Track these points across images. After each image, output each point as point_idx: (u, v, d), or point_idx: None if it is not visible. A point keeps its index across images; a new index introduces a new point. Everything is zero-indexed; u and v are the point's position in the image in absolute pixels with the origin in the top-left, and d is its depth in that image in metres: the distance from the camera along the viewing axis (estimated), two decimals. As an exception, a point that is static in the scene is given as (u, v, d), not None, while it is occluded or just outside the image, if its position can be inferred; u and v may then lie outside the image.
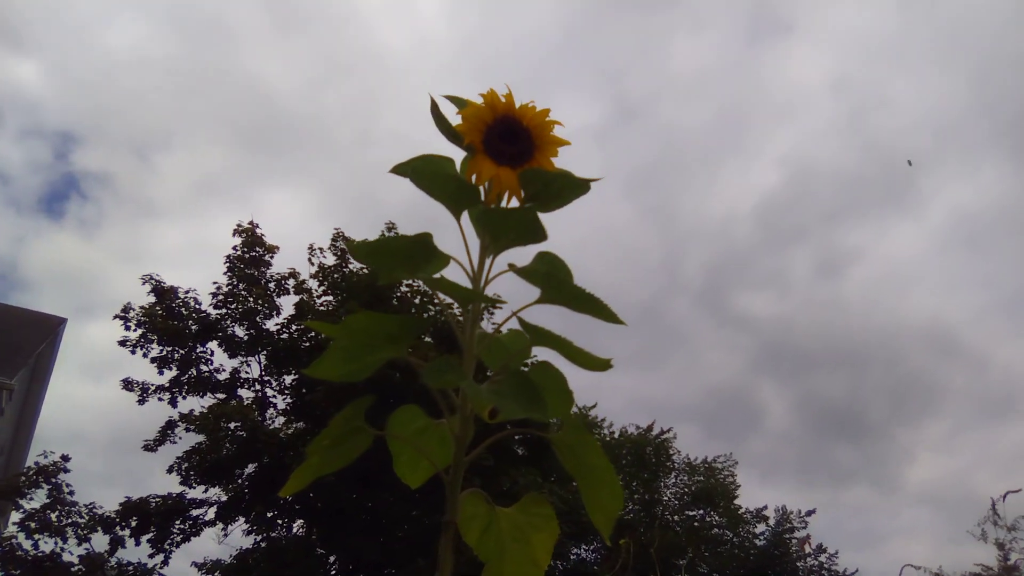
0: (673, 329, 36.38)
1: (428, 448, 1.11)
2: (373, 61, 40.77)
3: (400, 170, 1.16)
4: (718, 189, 40.36)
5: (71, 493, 15.48)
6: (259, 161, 35.37)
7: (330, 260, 16.48)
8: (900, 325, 37.18)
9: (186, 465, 15.23)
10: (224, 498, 15.64)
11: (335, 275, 16.33)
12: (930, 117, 44.90)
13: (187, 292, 16.23)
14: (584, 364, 1.02)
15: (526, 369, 1.11)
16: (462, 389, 0.89)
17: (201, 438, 15.08)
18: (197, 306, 16.22)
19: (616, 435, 24.03)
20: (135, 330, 15.72)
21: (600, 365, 1.01)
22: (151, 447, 15.53)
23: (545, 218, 1.10)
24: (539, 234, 1.04)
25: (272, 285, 16.49)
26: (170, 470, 15.28)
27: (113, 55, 35.38)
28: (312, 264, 16.50)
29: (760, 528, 24.29)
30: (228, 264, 16.35)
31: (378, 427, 1.12)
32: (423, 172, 1.08)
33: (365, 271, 15.98)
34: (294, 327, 16.23)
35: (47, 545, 15.07)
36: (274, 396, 16.57)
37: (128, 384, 15.86)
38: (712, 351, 36.22)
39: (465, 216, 1.17)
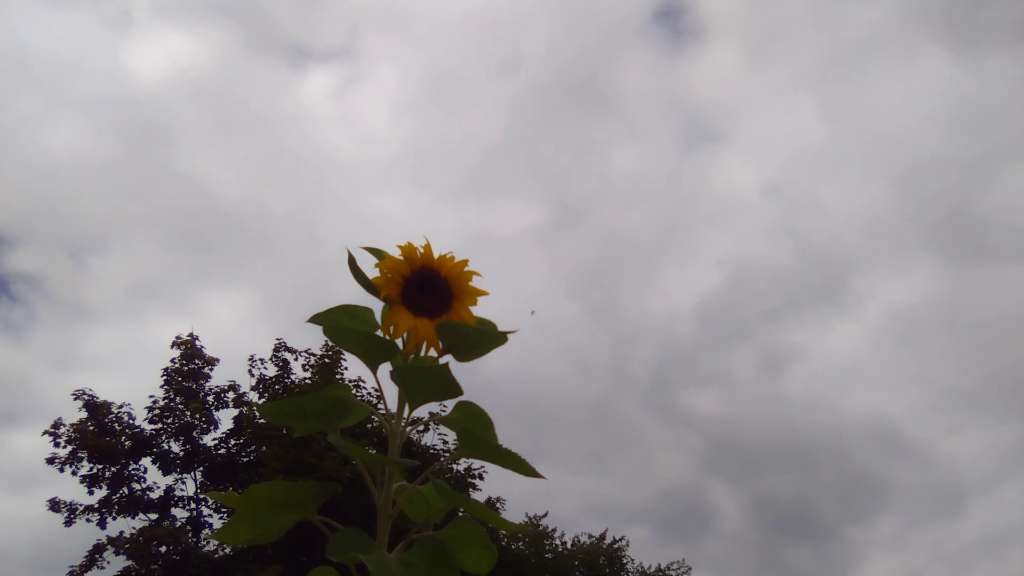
0: (622, 428, 36.21)
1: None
2: (316, 161, 41.11)
3: (316, 321, 1.15)
4: (660, 289, 41.20)
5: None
6: (200, 263, 34.98)
7: (271, 371, 16.17)
8: (844, 422, 37.73)
9: (114, 591, 14.41)
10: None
11: (276, 386, 15.97)
12: (859, 219, 47.04)
13: (120, 407, 15.72)
14: (499, 526, 0.99)
15: (457, 516, 1.08)
16: (368, 565, 0.86)
17: (130, 563, 14.31)
18: (131, 421, 15.70)
19: (568, 545, 23.46)
20: (65, 447, 15.13)
21: (516, 529, 0.98)
22: (77, 574, 14.69)
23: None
24: (453, 391, 1.03)
25: (211, 398, 16.05)
26: (96, 595, 14.43)
27: (50, 155, 34.96)
28: (252, 376, 16.14)
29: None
30: (165, 377, 15.91)
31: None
32: (336, 329, 1.07)
33: (308, 382, 15.67)
34: (232, 442, 15.74)
35: None
36: (210, 515, 15.87)
37: (55, 505, 15.17)
38: (662, 451, 36.05)
39: (385, 366, 1.16)
